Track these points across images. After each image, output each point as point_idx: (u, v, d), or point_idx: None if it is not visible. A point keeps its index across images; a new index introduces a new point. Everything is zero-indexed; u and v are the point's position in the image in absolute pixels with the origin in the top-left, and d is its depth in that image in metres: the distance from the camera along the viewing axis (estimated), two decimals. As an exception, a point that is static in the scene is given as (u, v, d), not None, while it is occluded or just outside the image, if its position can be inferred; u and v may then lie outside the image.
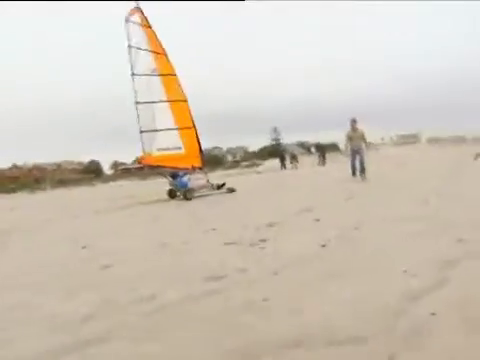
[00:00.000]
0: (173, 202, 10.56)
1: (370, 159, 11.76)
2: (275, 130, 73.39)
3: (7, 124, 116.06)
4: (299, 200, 8.24)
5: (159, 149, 10.21)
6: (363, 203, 7.06)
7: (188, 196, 10.31)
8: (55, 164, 65.66)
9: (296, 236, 4.71)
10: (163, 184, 11.71)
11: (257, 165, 40.11)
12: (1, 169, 51.60)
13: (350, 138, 11.57)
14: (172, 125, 10.34)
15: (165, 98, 10.24)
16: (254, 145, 78.21)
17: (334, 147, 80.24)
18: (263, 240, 4.56)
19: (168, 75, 10.28)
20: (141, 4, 10.19)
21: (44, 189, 31.28)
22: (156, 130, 10.12)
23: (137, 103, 9.94)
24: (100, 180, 40.65)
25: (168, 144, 10.18)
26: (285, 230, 5.19)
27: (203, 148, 11.29)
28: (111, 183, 35.32)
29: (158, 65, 10.20)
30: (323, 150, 28.31)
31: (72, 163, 66.11)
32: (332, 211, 6.42)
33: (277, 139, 72.92)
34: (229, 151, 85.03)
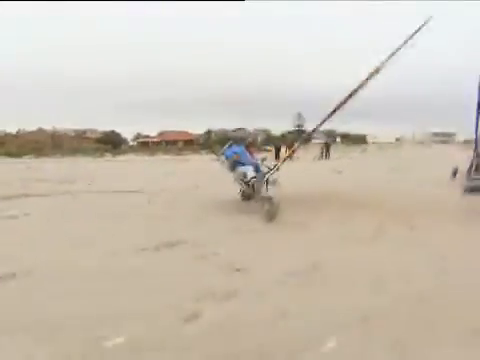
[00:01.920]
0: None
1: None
2: (299, 116, 71.60)
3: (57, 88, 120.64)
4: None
5: None
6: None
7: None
8: (80, 131, 67.46)
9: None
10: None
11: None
12: (26, 132, 53.81)
13: None
14: None
15: None
16: (280, 129, 75.50)
17: (362, 139, 77.30)
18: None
19: None
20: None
21: (48, 155, 32.25)
22: None
23: None
24: (114, 152, 41.41)
25: None
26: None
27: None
28: (120, 156, 35.92)
29: None
30: (327, 143, 27.37)
31: (95, 132, 67.57)
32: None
33: (300, 125, 71.06)
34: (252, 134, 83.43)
